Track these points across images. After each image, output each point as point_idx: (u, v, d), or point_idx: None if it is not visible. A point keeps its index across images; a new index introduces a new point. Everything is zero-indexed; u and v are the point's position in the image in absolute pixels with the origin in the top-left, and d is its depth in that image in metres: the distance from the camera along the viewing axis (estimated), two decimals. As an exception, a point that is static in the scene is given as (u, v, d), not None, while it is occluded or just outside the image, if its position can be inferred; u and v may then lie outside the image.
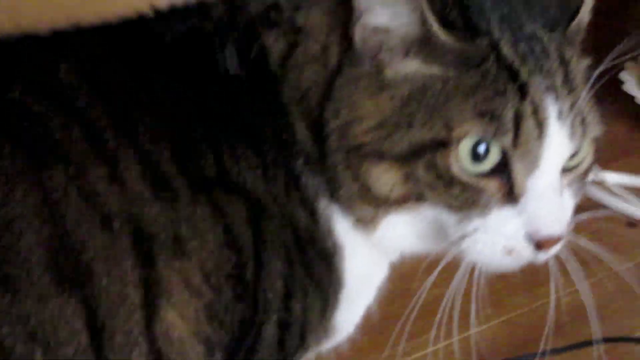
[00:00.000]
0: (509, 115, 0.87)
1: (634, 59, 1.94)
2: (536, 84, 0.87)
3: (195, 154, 0.88)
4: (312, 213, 0.93)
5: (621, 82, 1.89)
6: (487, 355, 1.33)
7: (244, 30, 0.94)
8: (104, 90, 0.86)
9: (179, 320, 0.85)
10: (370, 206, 0.91)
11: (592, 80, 0.95)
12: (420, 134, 0.88)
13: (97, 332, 0.81)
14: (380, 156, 0.89)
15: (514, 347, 1.37)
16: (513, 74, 0.87)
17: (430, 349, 1.31)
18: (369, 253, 0.96)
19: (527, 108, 0.86)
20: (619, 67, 1.87)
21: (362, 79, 0.89)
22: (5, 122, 0.82)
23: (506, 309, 1.43)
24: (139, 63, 0.90)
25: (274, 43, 0.92)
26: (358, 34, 0.88)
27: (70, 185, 0.81)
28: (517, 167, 0.87)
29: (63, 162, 0.82)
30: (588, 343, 1.37)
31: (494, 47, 0.88)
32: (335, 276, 0.94)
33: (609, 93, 1.92)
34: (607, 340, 1.36)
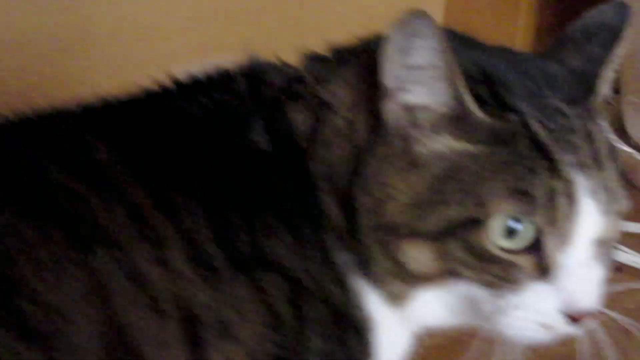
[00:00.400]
0: (541, 192, 0.87)
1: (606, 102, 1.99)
2: (567, 161, 0.88)
3: (232, 232, 0.87)
4: (344, 288, 0.92)
5: None
6: None
7: (270, 104, 0.93)
8: (140, 168, 0.87)
9: None
10: (402, 282, 0.91)
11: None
12: (453, 212, 0.88)
13: None
14: (413, 234, 0.88)
15: None
16: (544, 151, 0.87)
17: None
18: (398, 326, 0.95)
19: (559, 185, 0.87)
20: None
21: (391, 156, 0.89)
22: (48, 204, 0.82)
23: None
24: (170, 140, 0.90)
25: (299, 117, 0.92)
26: (387, 111, 0.88)
27: (117, 269, 0.81)
28: (550, 243, 0.88)
29: (108, 245, 0.82)
30: None
31: (524, 123, 0.87)
32: (367, 350, 0.93)
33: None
34: None
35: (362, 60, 0.91)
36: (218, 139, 0.91)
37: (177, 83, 0.95)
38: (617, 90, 1.93)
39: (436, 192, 0.88)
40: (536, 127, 0.88)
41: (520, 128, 0.88)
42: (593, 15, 1.00)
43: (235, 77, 0.95)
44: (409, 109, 0.88)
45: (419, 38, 0.86)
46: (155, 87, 0.95)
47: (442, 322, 0.95)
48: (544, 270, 0.88)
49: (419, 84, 0.87)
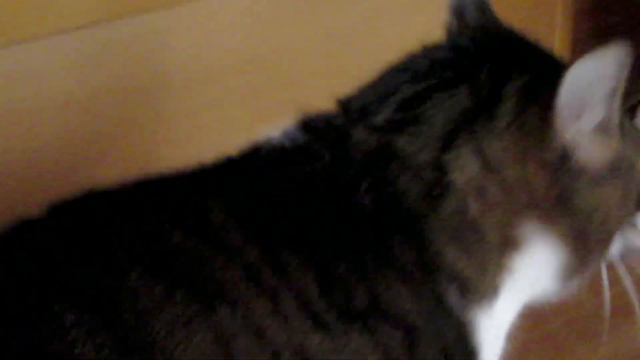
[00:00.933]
0: None
1: None
2: None
3: (343, 286, 0.88)
4: (458, 325, 0.94)
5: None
6: None
7: (369, 167, 0.94)
8: (252, 228, 0.88)
9: None
10: None
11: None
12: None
13: None
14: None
15: None
16: None
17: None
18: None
19: None
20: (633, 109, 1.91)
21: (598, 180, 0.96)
22: (172, 267, 0.85)
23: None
24: (277, 201, 0.92)
25: (409, 185, 0.93)
26: (576, 144, 0.93)
27: (238, 324, 0.84)
28: None
29: (228, 302, 0.84)
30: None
31: None
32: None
33: None
34: None
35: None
36: (325, 201, 0.93)
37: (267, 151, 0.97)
38: None
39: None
40: None
41: None
42: None
43: (320, 140, 0.96)
44: (584, 132, 0.93)
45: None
46: (249, 151, 0.97)
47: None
48: None
49: (594, 101, 0.93)
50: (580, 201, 0.95)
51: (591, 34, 2.06)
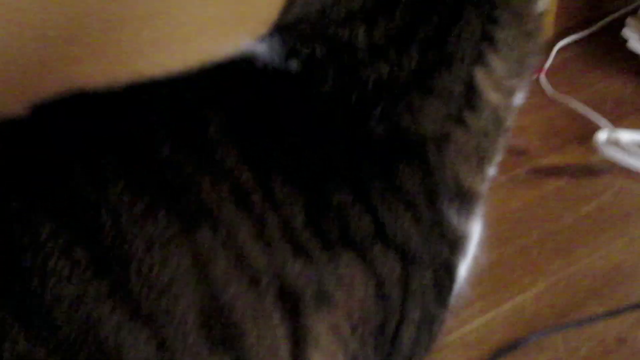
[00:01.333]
0: None
1: (634, 13, 1.97)
2: None
3: (337, 215, 0.88)
4: (455, 240, 0.96)
5: (624, 40, 1.91)
6: (534, 324, 1.37)
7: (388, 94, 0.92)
8: (247, 149, 0.87)
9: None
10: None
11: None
12: None
13: None
14: None
15: (556, 314, 1.40)
16: None
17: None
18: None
19: None
20: (620, 24, 1.91)
21: None
22: (157, 182, 0.83)
23: (545, 276, 1.46)
24: (275, 123, 0.90)
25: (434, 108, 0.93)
26: None
27: (219, 247, 0.83)
28: None
29: (211, 223, 0.83)
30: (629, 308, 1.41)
31: None
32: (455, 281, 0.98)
33: (614, 49, 1.97)
34: None
35: None
36: (330, 127, 0.91)
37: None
38: None
39: None
40: None
41: None
42: None
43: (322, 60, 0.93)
44: None
45: None
46: (244, 64, 0.94)
47: None
48: None
49: None
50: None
51: None
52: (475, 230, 0.99)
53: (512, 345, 1.34)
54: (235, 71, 0.94)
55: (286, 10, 1.00)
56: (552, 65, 1.96)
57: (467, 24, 0.95)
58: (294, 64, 0.93)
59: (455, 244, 0.96)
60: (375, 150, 0.91)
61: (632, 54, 1.91)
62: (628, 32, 1.92)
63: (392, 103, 0.92)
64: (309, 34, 0.95)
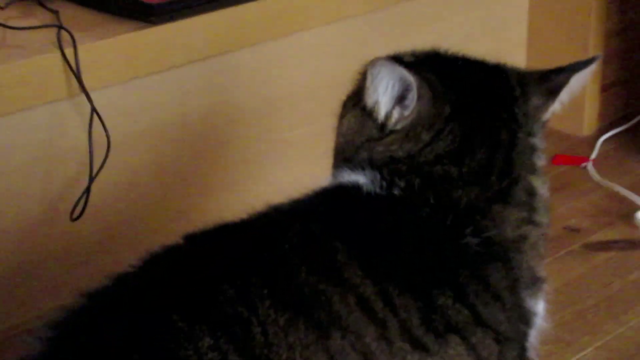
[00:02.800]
0: None
1: None
2: None
3: (442, 311, 0.91)
4: (528, 315, 1.00)
5: None
6: None
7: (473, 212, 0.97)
8: (368, 267, 0.90)
9: None
10: None
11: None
12: None
13: None
14: None
15: None
16: None
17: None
18: None
19: None
20: None
21: None
22: (297, 298, 0.86)
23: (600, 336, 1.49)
24: (386, 243, 0.94)
25: (513, 212, 1.00)
26: None
27: (349, 349, 0.86)
28: None
29: (342, 330, 0.86)
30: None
31: None
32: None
33: None
34: None
35: None
36: (431, 242, 0.95)
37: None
38: None
39: None
40: None
41: None
42: None
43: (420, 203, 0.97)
44: None
45: None
46: (351, 193, 0.99)
47: None
48: None
49: None
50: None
51: (619, 50, 2.07)
52: (541, 307, 1.03)
53: None
54: (349, 199, 0.98)
55: (353, 151, 1.04)
56: (597, 155, 1.98)
57: (521, 145, 1.01)
58: (396, 191, 0.97)
59: (529, 321, 0.99)
60: (468, 258, 0.94)
61: None
62: None
63: (481, 219, 0.96)
64: (404, 171, 0.98)
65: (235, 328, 0.84)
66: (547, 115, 1.05)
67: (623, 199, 1.84)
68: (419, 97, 1.00)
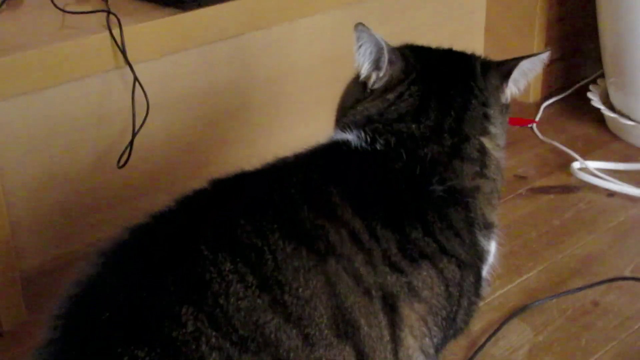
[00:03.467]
0: None
1: (595, 81, 2.00)
2: None
3: (415, 243, 0.91)
4: (483, 252, 0.99)
5: (590, 99, 1.92)
6: (536, 294, 1.38)
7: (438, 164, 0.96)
8: (357, 207, 0.89)
9: (413, 341, 0.89)
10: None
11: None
12: None
13: None
14: None
15: (550, 287, 1.41)
16: None
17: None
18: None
19: None
20: (587, 89, 1.93)
21: None
22: (300, 231, 0.85)
23: (542, 262, 1.47)
24: (371, 189, 0.92)
25: (467, 166, 0.97)
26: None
27: (342, 271, 0.85)
28: None
29: (336, 256, 0.85)
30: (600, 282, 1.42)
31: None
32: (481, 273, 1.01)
33: (583, 106, 1.98)
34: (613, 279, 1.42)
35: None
36: (406, 189, 0.93)
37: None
38: (603, 74, 1.95)
39: None
40: None
41: None
42: None
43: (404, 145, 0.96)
44: None
45: None
46: (343, 148, 0.97)
47: None
48: None
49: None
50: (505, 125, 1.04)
51: (560, 33, 2.04)
52: (493, 247, 1.02)
53: (522, 309, 1.35)
54: (342, 152, 0.97)
55: (345, 113, 1.02)
56: (541, 117, 1.96)
57: (474, 111, 0.99)
58: (378, 146, 0.95)
59: (482, 257, 0.98)
60: (435, 202, 0.93)
61: (594, 109, 1.91)
62: (592, 95, 1.94)
63: (443, 171, 0.95)
64: (380, 129, 0.97)
65: (250, 255, 0.82)
66: (505, 96, 1.03)
67: (561, 153, 1.82)
68: (390, 62, 0.98)
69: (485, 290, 1.03)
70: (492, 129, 1.00)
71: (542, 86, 2.04)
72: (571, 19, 2.03)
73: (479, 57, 1.05)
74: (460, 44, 1.92)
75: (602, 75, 1.96)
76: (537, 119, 1.95)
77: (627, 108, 1.85)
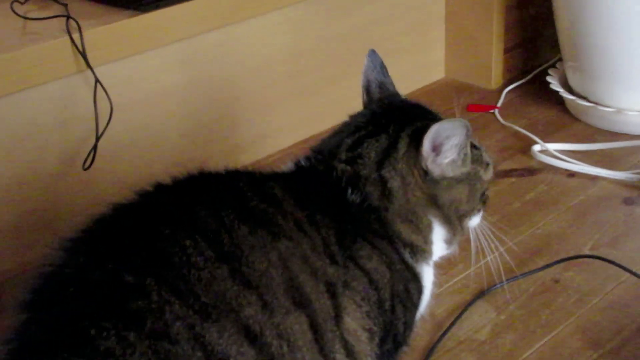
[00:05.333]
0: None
1: (554, 66, 2.04)
2: None
3: (349, 242, 0.96)
4: (413, 273, 1.03)
5: (549, 83, 1.95)
6: (498, 275, 1.38)
7: (354, 180, 1.01)
8: (298, 200, 0.96)
9: (352, 321, 0.93)
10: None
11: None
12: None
13: (316, 331, 0.90)
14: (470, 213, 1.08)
15: (512, 267, 1.42)
16: None
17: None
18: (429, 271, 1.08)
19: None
20: (546, 73, 1.97)
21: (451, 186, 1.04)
22: (253, 216, 0.91)
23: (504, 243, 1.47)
24: (309, 194, 0.98)
25: (371, 190, 1.01)
26: (436, 167, 1.02)
27: (292, 251, 0.90)
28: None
29: (287, 238, 0.91)
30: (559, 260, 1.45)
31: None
32: (421, 292, 1.06)
33: (543, 90, 2.01)
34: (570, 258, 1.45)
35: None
36: (333, 197, 0.99)
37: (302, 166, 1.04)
38: (561, 58, 1.97)
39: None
40: None
41: None
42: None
43: (333, 165, 1.02)
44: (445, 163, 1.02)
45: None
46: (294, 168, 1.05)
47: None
48: None
49: (449, 149, 1.01)
50: (441, 198, 1.03)
51: (518, 20, 2.06)
52: (428, 273, 1.06)
53: (485, 291, 1.37)
54: (291, 169, 1.05)
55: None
56: (502, 103, 1.99)
57: (391, 155, 1.02)
58: (313, 163, 1.04)
59: (413, 275, 1.03)
60: (354, 207, 1.00)
61: (554, 93, 1.94)
62: (551, 79, 1.96)
63: (359, 186, 1.01)
64: (318, 151, 1.05)
65: (208, 234, 0.87)
66: (426, 161, 1.03)
67: (522, 136, 1.85)
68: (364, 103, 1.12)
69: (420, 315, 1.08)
70: (394, 187, 1.02)
71: (503, 72, 2.06)
72: (529, 4, 2.05)
73: (425, 121, 1.05)
74: (420, 34, 1.98)
75: (561, 59, 1.98)
76: (499, 104, 1.97)
77: (585, 90, 1.89)
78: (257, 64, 1.70)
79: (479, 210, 1.10)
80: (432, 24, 2.05)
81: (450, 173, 1.03)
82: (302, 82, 1.78)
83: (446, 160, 1.02)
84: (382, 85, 1.12)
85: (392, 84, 1.14)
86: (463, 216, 1.07)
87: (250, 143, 1.70)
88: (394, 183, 1.01)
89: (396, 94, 1.13)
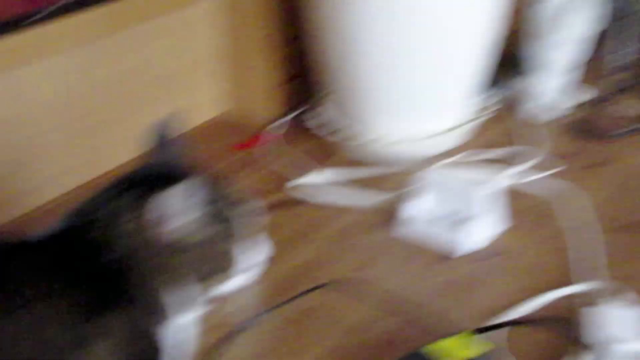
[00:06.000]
0: None
1: (313, 108, 2.08)
2: None
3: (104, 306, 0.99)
4: (153, 338, 1.06)
5: (311, 119, 2.03)
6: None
7: (101, 246, 1.04)
8: (59, 264, 1.00)
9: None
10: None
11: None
12: None
13: None
14: None
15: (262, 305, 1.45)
16: None
17: None
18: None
19: None
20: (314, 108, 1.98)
21: None
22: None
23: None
24: (70, 255, 1.02)
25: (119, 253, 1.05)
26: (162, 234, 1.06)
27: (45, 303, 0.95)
28: None
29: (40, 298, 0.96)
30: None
31: None
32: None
33: (299, 130, 2.02)
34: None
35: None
36: (90, 259, 1.02)
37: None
38: (326, 94, 2.02)
39: None
40: None
41: None
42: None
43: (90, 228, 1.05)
44: None
45: None
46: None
47: None
48: None
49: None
50: (168, 263, 1.06)
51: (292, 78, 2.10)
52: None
53: (242, 326, 1.38)
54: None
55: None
56: (266, 140, 2.03)
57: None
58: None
59: (153, 340, 1.05)
60: (111, 268, 1.03)
61: (309, 131, 2.01)
62: (313, 114, 2.03)
63: (112, 248, 1.05)
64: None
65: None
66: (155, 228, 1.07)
67: (280, 174, 1.90)
68: None
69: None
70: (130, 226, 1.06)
71: (276, 107, 2.10)
72: (301, 39, 2.07)
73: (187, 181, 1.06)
74: (192, 73, 1.96)
75: (326, 95, 2.02)
76: (263, 141, 2.01)
77: (343, 122, 1.95)
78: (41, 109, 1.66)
79: None
80: (203, 62, 2.07)
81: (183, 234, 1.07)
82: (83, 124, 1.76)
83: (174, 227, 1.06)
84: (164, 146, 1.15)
85: (178, 144, 1.17)
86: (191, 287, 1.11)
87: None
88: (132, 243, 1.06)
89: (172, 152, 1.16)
